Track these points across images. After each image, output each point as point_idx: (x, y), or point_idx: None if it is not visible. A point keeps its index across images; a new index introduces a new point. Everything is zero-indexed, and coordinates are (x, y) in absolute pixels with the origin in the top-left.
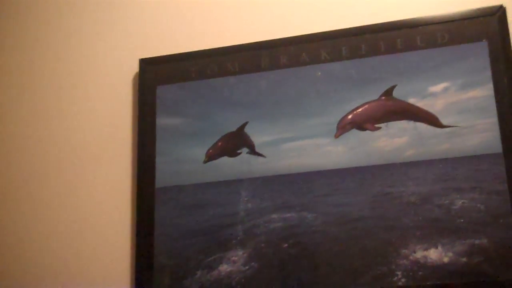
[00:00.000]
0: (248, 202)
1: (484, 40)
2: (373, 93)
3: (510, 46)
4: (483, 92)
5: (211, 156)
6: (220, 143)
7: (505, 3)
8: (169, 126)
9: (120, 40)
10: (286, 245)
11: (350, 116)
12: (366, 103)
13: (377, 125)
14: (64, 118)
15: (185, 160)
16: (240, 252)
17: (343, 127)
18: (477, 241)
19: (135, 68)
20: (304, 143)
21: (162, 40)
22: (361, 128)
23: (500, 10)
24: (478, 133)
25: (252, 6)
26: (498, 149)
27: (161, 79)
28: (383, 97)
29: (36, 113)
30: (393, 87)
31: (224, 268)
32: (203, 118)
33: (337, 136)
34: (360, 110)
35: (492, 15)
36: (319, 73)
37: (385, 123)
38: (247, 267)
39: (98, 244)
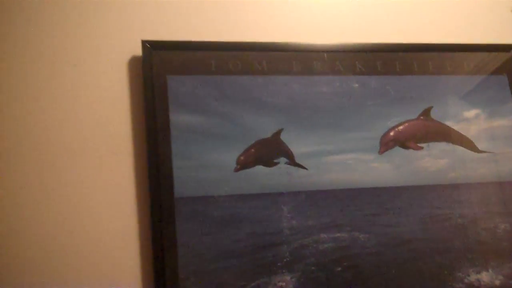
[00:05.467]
0: (292, 219)
1: (504, 74)
2: (411, 112)
3: None
4: (510, 122)
5: (244, 164)
6: (253, 150)
7: None
8: (187, 124)
9: (119, 18)
10: (339, 268)
11: (392, 133)
12: (407, 121)
13: (419, 145)
14: (55, 118)
15: (211, 166)
16: (287, 277)
17: (386, 144)
18: None
19: (136, 51)
20: (347, 157)
21: (171, 22)
22: (404, 146)
23: None
24: (509, 160)
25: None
26: None
27: (171, 68)
28: (422, 117)
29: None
30: (430, 108)
31: None
32: (230, 119)
33: (381, 152)
34: (402, 127)
35: (507, 51)
36: (356, 85)
37: (427, 143)
38: None
39: (106, 272)
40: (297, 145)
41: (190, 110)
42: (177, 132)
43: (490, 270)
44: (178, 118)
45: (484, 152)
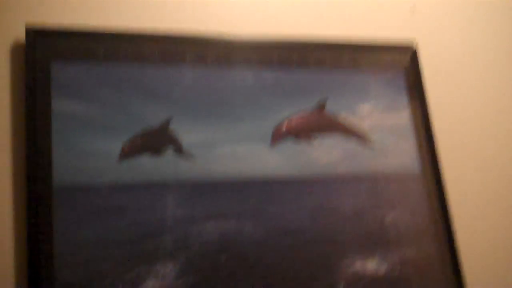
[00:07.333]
0: (177, 208)
1: (401, 70)
2: (306, 104)
3: (422, 78)
4: (403, 117)
5: (128, 153)
6: (139, 139)
7: (417, 40)
8: (70, 112)
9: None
10: (224, 257)
11: (285, 125)
12: (301, 113)
13: (312, 137)
14: None
15: (94, 154)
16: (169, 266)
17: (278, 135)
18: (407, 254)
19: (19, 37)
20: (238, 148)
21: (58, 6)
22: (297, 138)
23: (412, 46)
24: (401, 154)
25: None
26: (417, 170)
27: (56, 54)
28: (316, 109)
29: None
30: (325, 100)
31: (151, 283)
32: (116, 107)
33: (273, 143)
34: (295, 119)
35: (406, 49)
36: (251, 77)
37: (320, 136)
38: (179, 281)
39: None
40: (187, 135)
41: (75, 98)
42: (60, 120)
43: (376, 258)
44: (62, 106)
45: (376, 145)
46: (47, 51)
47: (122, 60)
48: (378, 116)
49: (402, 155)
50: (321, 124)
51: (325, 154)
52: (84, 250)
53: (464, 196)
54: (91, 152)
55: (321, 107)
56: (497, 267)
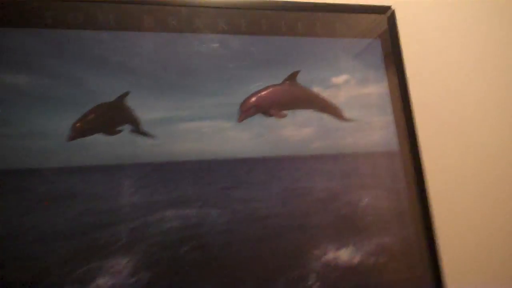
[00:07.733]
0: (134, 194)
1: (377, 37)
2: (276, 76)
3: (399, 46)
4: (380, 89)
5: (80, 132)
6: (92, 115)
7: (394, 5)
8: (12, 85)
9: None
10: (186, 248)
11: (254, 99)
12: (271, 86)
13: (283, 112)
14: None
15: (39, 134)
16: (124, 260)
17: (247, 111)
18: (383, 240)
19: None
20: (203, 124)
21: None
22: (267, 113)
23: (389, 11)
24: (378, 129)
25: None
26: (395, 147)
27: None
28: (288, 82)
29: None
30: (297, 72)
31: (104, 281)
32: (66, 80)
33: (241, 120)
34: (264, 93)
35: (382, 13)
36: (217, 45)
37: (291, 111)
38: (134, 279)
39: None
40: (146, 110)
41: (18, 69)
42: (1, 94)
43: (350, 247)
44: (4, 78)
45: (351, 120)
46: None
47: (73, 26)
48: (353, 88)
49: (379, 131)
50: (292, 98)
51: (297, 131)
52: (27, 244)
53: (442, 174)
54: (36, 130)
55: (293, 79)
56: (476, 251)
